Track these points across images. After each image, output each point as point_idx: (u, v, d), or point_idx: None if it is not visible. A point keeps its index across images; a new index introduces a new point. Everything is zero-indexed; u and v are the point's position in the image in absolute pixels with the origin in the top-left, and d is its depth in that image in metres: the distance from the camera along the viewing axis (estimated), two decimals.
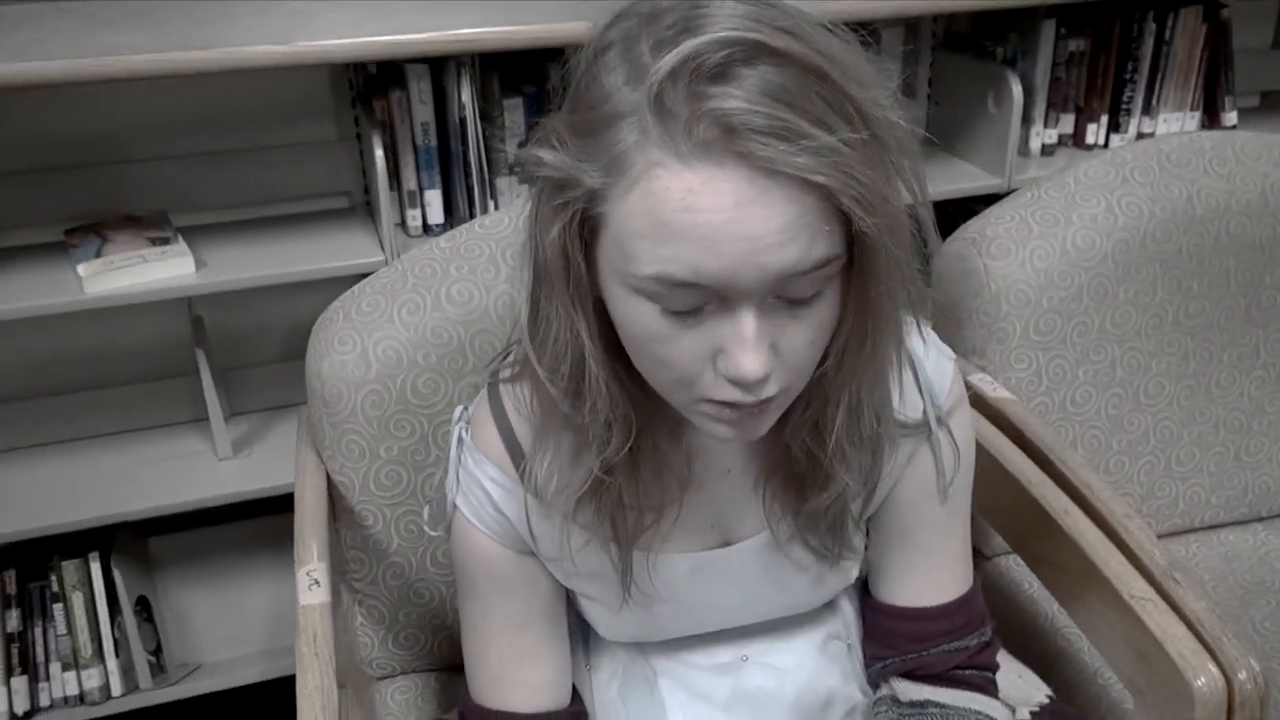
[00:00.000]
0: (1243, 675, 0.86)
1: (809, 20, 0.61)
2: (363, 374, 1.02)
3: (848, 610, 0.93)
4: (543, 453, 0.75)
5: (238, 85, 1.53)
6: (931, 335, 0.84)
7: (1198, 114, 1.82)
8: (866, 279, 0.63)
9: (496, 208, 1.52)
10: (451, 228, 1.17)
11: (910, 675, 0.88)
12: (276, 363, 1.68)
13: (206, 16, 1.39)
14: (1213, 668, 0.85)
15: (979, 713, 0.86)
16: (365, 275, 1.08)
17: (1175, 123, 1.80)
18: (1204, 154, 1.25)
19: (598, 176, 0.60)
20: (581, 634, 0.93)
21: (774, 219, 0.57)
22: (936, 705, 0.86)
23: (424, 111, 1.43)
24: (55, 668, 1.54)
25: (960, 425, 0.84)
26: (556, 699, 0.86)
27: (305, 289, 1.49)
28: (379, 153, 1.41)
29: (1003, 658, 1.02)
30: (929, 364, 0.82)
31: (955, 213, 1.52)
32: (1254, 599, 1.25)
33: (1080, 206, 1.22)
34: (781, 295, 0.61)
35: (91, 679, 1.54)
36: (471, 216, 1.49)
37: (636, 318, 0.63)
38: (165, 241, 1.44)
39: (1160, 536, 1.31)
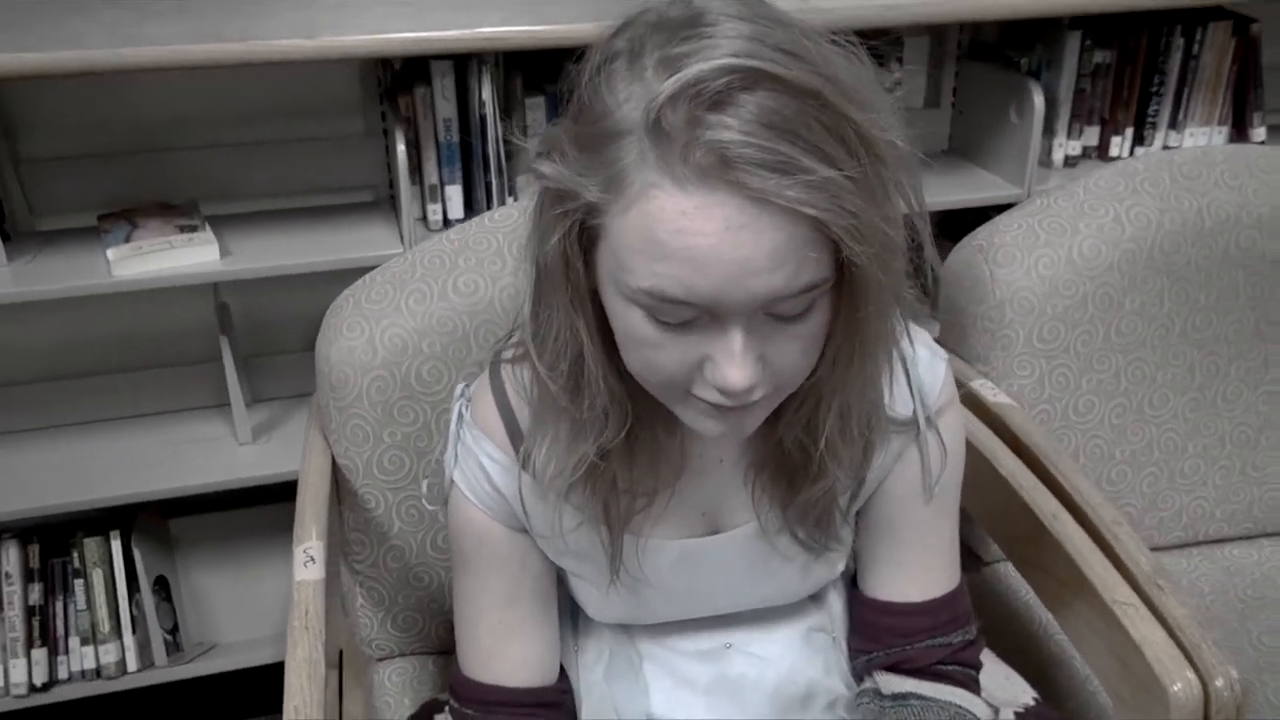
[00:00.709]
0: (1220, 682, 0.86)
1: (813, 34, 0.62)
2: (369, 360, 1.05)
3: (834, 603, 0.95)
4: (541, 437, 0.77)
5: (272, 79, 1.57)
6: (925, 336, 0.86)
7: (1225, 129, 1.80)
8: (855, 300, 0.65)
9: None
10: None
11: (893, 669, 0.89)
12: (299, 351, 1.71)
13: (249, 10, 1.42)
14: (1190, 674, 0.86)
15: (959, 707, 0.87)
16: None
17: (1202, 137, 1.79)
18: (1216, 166, 1.25)
19: (597, 191, 0.62)
20: (571, 615, 0.95)
21: (763, 245, 0.59)
22: (918, 698, 0.87)
23: (447, 108, 1.46)
24: (74, 641, 1.58)
25: (950, 426, 0.85)
26: (544, 675, 0.88)
27: (328, 280, 1.51)
28: (401, 148, 1.44)
29: (990, 659, 1.03)
30: (922, 365, 0.83)
31: (975, 222, 1.52)
32: (1254, 613, 1.24)
33: (1088, 216, 1.22)
34: (770, 313, 0.63)
35: (108, 654, 1.58)
36: None
37: (630, 324, 0.65)
38: (193, 229, 1.48)
39: (1162, 549, 1.32)
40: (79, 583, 1.59)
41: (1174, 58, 1.72)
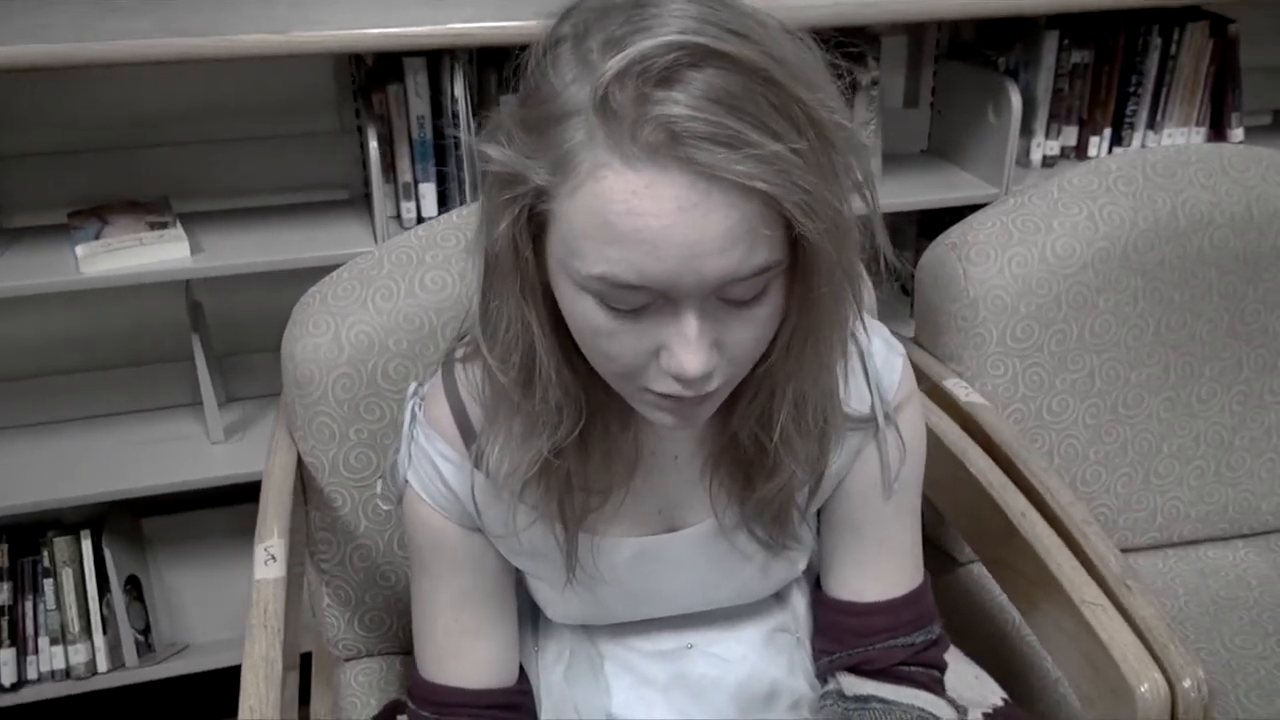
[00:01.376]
0: (1187, 683, 0.85)
1: (763, 20, 0.61)
2: (335, 357, 1.04)
3: (798, 604, 0.94)
4: (494, 435, 0.76)
5: (246, 76, 1.56)
6: (881, 329, 0.85)
7: (1204, 130, 1.80)
8: (809, 280, 0.64)
9: None
10: None
11: (856, 670, 0.88)
12: (273, 351, 1.68)
13: (218, 5, 1.41)
14: (1157, 675, 0.85)
15: (922, 710, 0.86)
16: None
17: (1180, 138, 1.79)
18: (1190, 165, 1.24)
19: (544, 174, 0.61)
20: (531, 615, 0.94)
21: (715, 225, 0.58)
22: (879, 700, 0.86)
23: (420, 105, 1.45)
24: (44, 642, 1.57)
25: (909, 422, 0.84)
26: (501, 677, 0.87)
27: (303, 278, 1.49)
28: (374, 145, 1.43)
29: (958, 658, 1.02)
30: (879, 358, 0.82)
31: (953, 222, 1.52)
32: (1226, 614, 1.23)
33: (1062, 214, 1.22)
34: (724, 297, 0.62)
35: (78, 654, 1.57)
36: None
37: (582, 313, 0.64)
38: (164, 226, 1.46)
39: (1137, 550, 1.31)
40: (49, 582, 1.57)
41: (1152, 58, 1.72)
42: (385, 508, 0.87)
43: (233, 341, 1.69)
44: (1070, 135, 1.76)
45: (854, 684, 0.87)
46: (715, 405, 0.70)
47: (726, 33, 0.57)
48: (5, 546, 1.56)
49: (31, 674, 1.57)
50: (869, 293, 1.11)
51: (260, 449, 1.57)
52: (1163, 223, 1.22)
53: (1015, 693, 1.01)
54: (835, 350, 0.71)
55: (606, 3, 0.62)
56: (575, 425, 0.73)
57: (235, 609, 1.70)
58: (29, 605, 1.57)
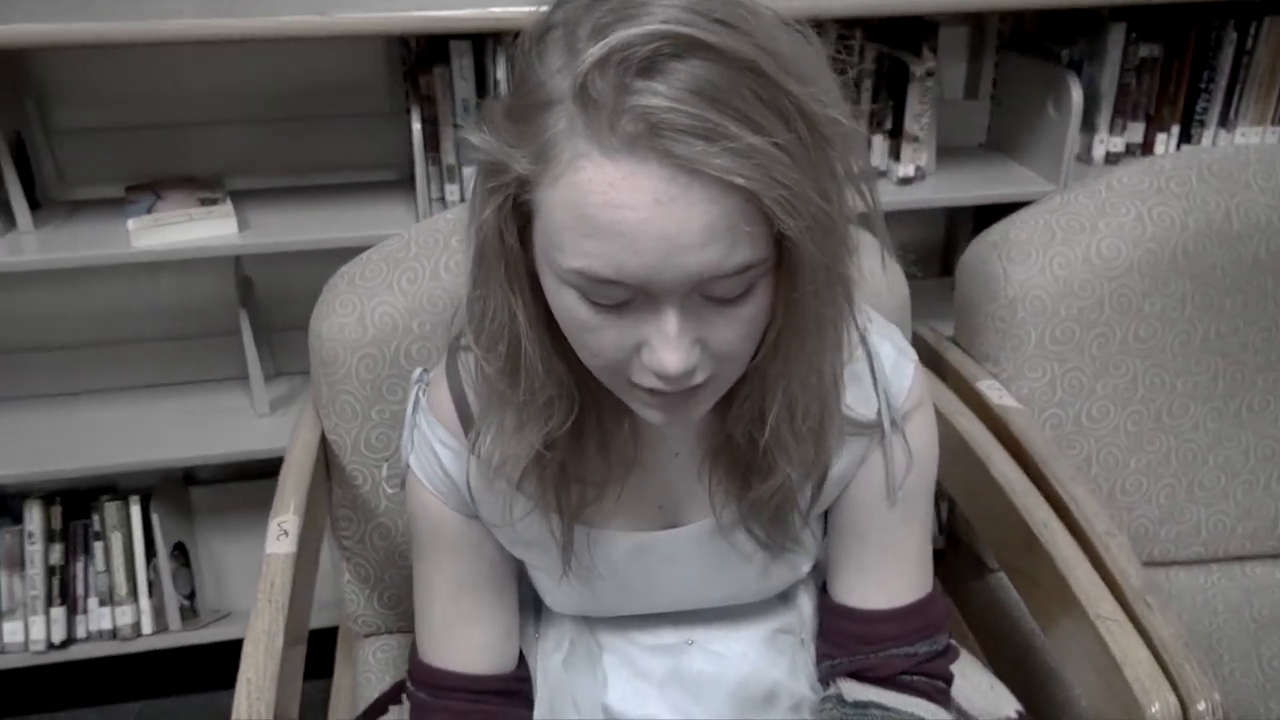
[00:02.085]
0: (1201, 706, 0.82)
1: (756, 10, 0.59)
2: (359, 337, 1.05)
3: (805, 606, 0.92)
4: (488, 425, 0.76)
5: (298, 56, 1.58)
6: (894, 334, 0.83)
7: None
8: (793, 279, 0.62)
9: None
10: None
11: (857, 676, 0.86)
12: None
13: None
14: (1170, 695, 0.82)
15: (922, 719, 0.84)
16: None
17: (1254, 136, 1.71)
18: (1248, 166, 1.19)
19: (527, 163, 0.60)
20: (534, 602, 0.94)
21: (694, 219, 0.57)
22: (879, 707, 0.84)
23: (465, 88, 1.46)
24: (92, 602, 1.62)
25: (918, 430, 0.82)
26: (497, 663, 0.87)
27: (349, 257, 1.53)
28: (417, 126, 1.44)
29: (974, 667, 1.01)
30: (888, 364, 0.80)
31: None
32: (1268, 635, 1.19)
33: (1109, 214, 1.18)
34: (707, 295, 0.61)
35: (124, 615, 1.62)
36: None
37: (566, 306, 0.63)
38: (214, 202, 1.49)
39: (1179, 564, 1.27)
40: (99, 545, 1.62)
41: (1225, 52, 1.64)
42: (390, 490, 0.88)
43: (283, 317, 1.72)
44: (1136, 132, 1.70)
45: (854, 690, 0.86)
46: (707, 403, 0.69)
47: (713, 23, 0.56)
48: (58, 509, 1.61)
49: (80, 633, 1.62)
50: (902, 292, 1.08)
51: None
52: (1216, 226, 1.17)
53: (1036, 704, 0.99)
54: (825, 352, 0.69)
55: None
56: (567, 417, 0.72)
57: None
58: (79, 567, 1.62)
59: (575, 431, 0.74)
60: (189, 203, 1.49)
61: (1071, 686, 1.10)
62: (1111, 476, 1.22)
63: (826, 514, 0.87)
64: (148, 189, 1.54)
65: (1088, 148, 1.69)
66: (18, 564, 1.60)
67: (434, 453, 0.81)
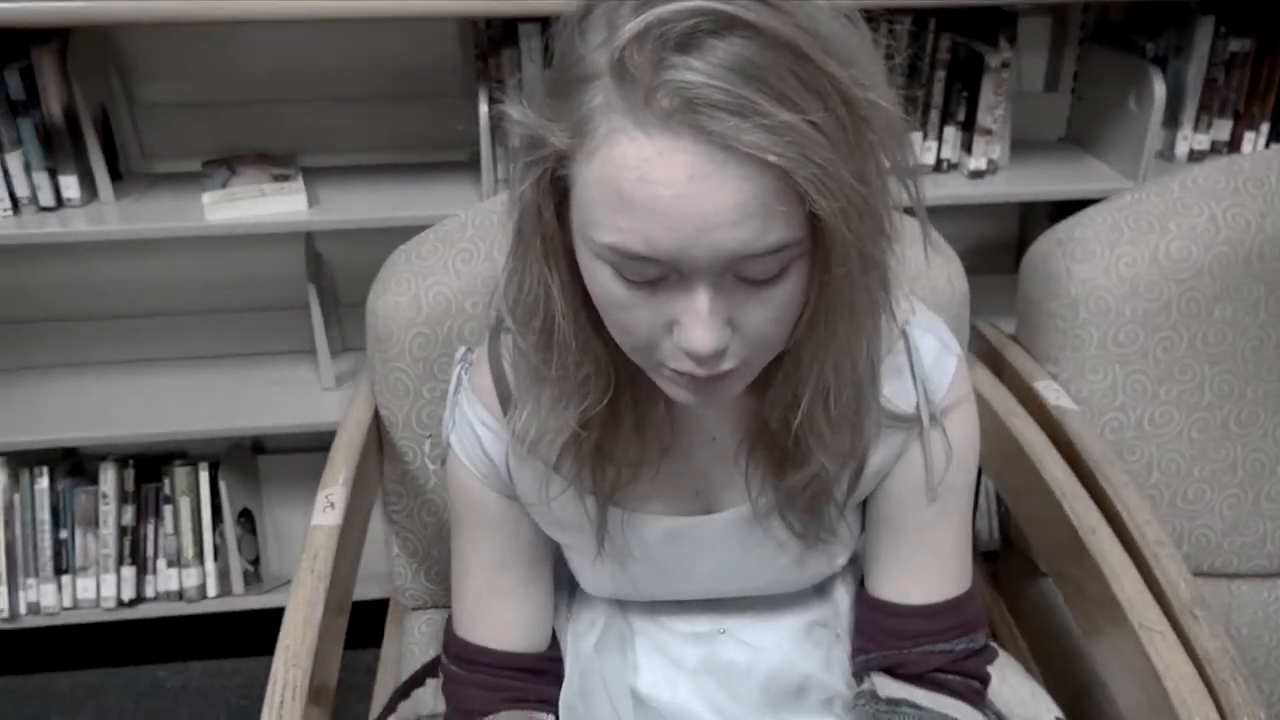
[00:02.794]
0: None
1: None
2: (413, 316, 1.07)
3: (842, 599, 0.92)
4: (525, 402, 0.77)
5: (373, 36, 1.60)
6: (939, 327, 0.82)
7: None
8: (826, 261, 0.62)
9: None
10: None
11: (891, 671, 0.85)
12: None
13: None
14: (1212, 711, 0.80)
15: (955, 719, 0.83)
16: None
17: None
18: None
19: (564, 137, 0.60)
20: (569, 584, 0.95)
21: (727, 197, 0.56)
22: (911, 705, 0.83)
23: (532, 70, 1.46)
24: (161, 563, 1.67)
25: (959, 425, 0.81)
26: (530, 641, 0.88)
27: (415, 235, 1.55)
28: (484, 108, 1.46)
29: (1015, 671, 0.99)
30: (929, 358, 0.79)
31: None
32: None
33: (1181, 214, 1.14)
34: (740, 275, 0.61)
35: (190, 578, 1.67)
36: None
37: (600, 282, 0.64)
38: (286, 178, 1.53)
39: (1241, 577, 1.23)
40: (168, 509, 1.68)
41: None
42: (433, 467, 0.89)
43: (351, 293, 1.76)
44: (1223, 129, 1.64)
45: (888, 686, 0.85)
46: (738, 386, 0.68)
47: (755, 1, 0.56)
48: (131, 472, 1.67)
49: (149, 592, 1.68)
50: (962, 286, 1.06)
51: None
52: None
53: (1081, 712, 0.96)
54: (859, 338, 0.68)
55: None
56: (603, 396, 0.73)
57: None
58: (150, 528, 1.67)
59: (611, 411, 0.74)
60: (262, 178, 1.52)
61: (1116, 696, 1.08)
62: (1173, 484, 1.18)
63: (864, 507, 0.86)
64: (223, 164, 1.58)
65: (1171, 145, 1.65)
66: (92, 523, 1.66)
67: (474, 432, 0.82)
